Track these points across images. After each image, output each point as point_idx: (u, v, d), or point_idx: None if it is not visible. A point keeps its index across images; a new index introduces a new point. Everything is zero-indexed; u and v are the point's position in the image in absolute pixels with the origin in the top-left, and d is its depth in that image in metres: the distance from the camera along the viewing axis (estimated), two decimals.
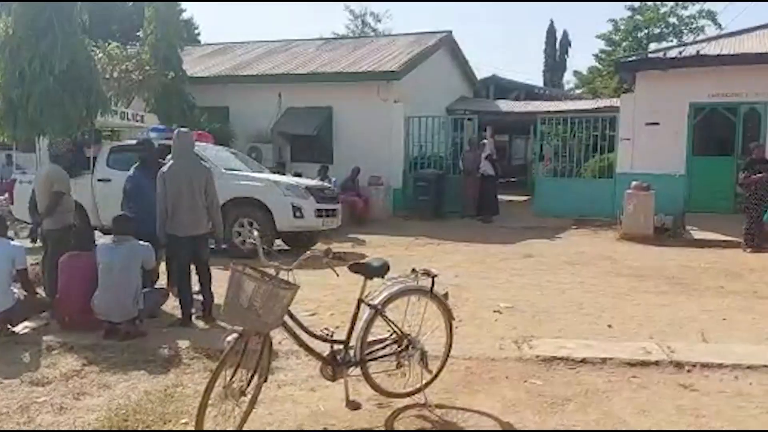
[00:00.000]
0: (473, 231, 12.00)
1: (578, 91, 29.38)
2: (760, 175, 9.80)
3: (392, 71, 14.21)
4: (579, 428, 3.50)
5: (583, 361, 4.52)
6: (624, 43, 28.71)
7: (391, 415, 3.63)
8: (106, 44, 14.03)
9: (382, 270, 3.64)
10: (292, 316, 3.35)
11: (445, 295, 3.92)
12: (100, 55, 13.49)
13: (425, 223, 12.86)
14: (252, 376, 3.24)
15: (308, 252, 3.39)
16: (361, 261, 3.65)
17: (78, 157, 9.25)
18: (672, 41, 25.68)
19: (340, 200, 10.53)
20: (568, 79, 36.32)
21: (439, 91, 16.99)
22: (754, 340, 5.10)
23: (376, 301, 3.60)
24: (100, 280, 5.05)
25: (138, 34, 15.34)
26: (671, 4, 28.26)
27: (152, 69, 13.87)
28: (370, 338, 3.65)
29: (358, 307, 3.57)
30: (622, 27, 29.26)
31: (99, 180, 9.70)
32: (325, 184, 10.65)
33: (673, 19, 28.58)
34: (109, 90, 13.45)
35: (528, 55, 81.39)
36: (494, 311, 6.00)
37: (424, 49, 15.99)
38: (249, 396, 3.24)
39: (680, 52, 12.79)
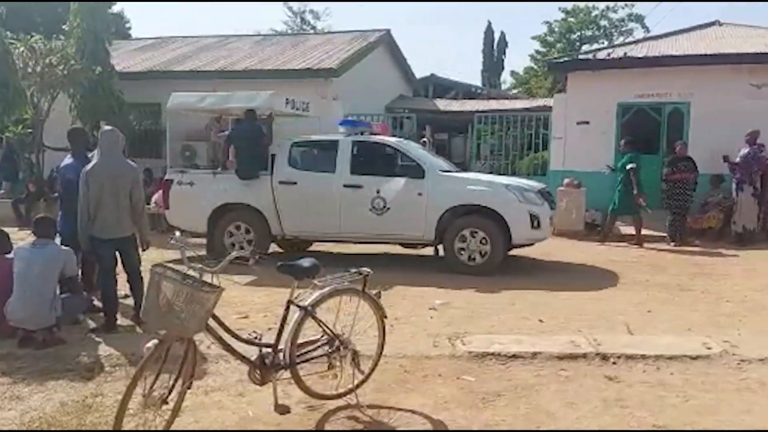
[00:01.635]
0: None
1: (515, 91, 30.01)
2: (683, 172, 10.27)
3: (331, 68, 14.11)
4: (508, 422, 3.54)
5: (514, 356, 4.59)
6: (558, 45, 29.60)
7: (321, 418, 3.58)
8: (28, 37, 13.35)
9: (312, 270, 3.57)
10: (217, 320, 3.24)
11: (378, 294, 3.89)
12: (21, 48, 12.85)
13: None
14: (174, 383, 3.12)
15: (233, 253, 3.28)
16: (290, 262, 3.57)
17: (255, 156, 8.50)
18: (603, 43, 26.60)
19: None
20: (505, 79, 37.06)
21: (378, 89, 16.98)
22: (675, 331, 5.30)
23: (306, 302, 3.53)
24: (15, 285, 4.77)
25: (63, 27, 14.66)
26: (602, 6, 29.30)
27: (78, 63, 13.28)
28: (301, 340, 3.58)
29: (287, 309, 3.49)
30: (556, 29, 30.14)
31: (281, 182, 8.40)
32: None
33: (604, 22, 29.67)
34: (30, 85, 12.88)
35: (467, 56, 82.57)
36: (430, 309, 6.03)
37: (363, 47, 15.97)
38: (172, 404, 3.12)
39: (608, 54, 13.21)
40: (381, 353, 3.95)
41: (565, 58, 14.36)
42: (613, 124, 12.62)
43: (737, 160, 10.36)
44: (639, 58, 12.53)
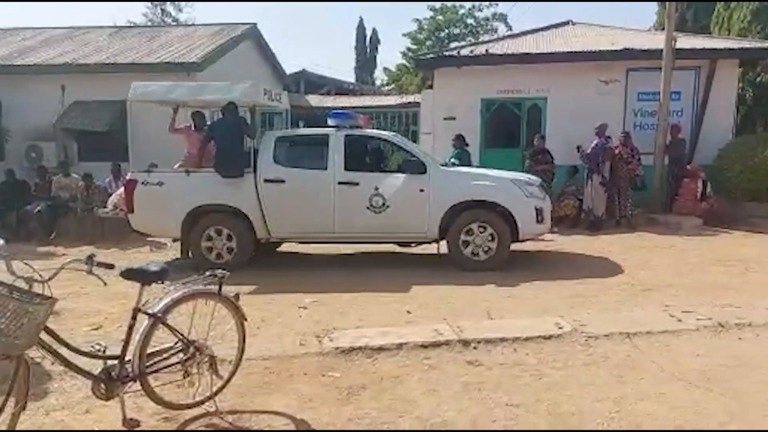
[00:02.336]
0: None
1: (388, 88, 30.53)
2: (541, 165, 10.92)
3: (194, 62, 13.54)
4: (372, 415, 3.55)
5: (381, 348, 4.62)
6: (428, 42, 30.43)
7: (177, 429, 3.40)
8: None
9: (161, 274, 3.37)
10: (51, 333, 2.97)
11: (236, 296, 3.76)
12: None
13: None
14: (4, 405, 2.83)
15: (69, 259, 3.02)
16: (136, 266, 3.35)
17: (238, 152, 7.83)
18: (470, 41, 27.69)
19: None
20: (379, 76, 37.61)
21: None
22: (532, 313, 5.59)
23: (155, 309, 3.33)
24: None
25: None
26: (468, 6, 30.52)
27: None
28: (151, 349, 3.38)
29: (134, 318, 3.28)
30: (426, 27, 30.99)
31: (267, 181, 7.76)
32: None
33: (470, 21, 30.89)
34: None
35: (343, 54, 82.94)
36: (300, 307, 5.95)
37: (228, 40, 15.45)
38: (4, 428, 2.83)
39: (471, 51, 13.75)
40: (242, 357, 3.82)
41: (432, 55, 14.75)
42: (478, 120, 13.15)
43: (588, 151, 11.16)
44: (499, 55, 13.15)
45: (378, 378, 4.10)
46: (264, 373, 4.20)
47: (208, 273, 3.60)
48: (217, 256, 7.78)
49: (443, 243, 7.82)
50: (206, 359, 3.53)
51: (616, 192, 11.20)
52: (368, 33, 39.90)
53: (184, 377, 3.50)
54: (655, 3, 21.28)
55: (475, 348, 4.61)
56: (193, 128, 8.89)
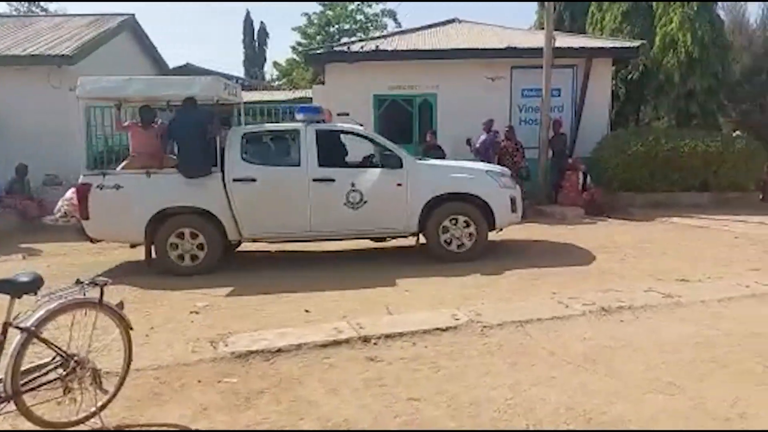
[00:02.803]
0: None
1: (279, 83, 30.06)
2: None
3: (65, 55, 12.59)
4: (271, 419, 3.45)
5: (279, 350, 4.51)
6: (318, 37, 30.24)
7: None
8: None
9: (33, 285, 3.08)
10: None
11: (120, 304, 3.51)
12: None
13: None
14: None
15: None
16: (3, 277, 3.05)
17: (203, 150, 7.34)
18: (360, 36, 27.80)
19: (5, 205, 8.85)
20: (268, 71, 36.94)
21: None
22: (429, 306, 5.67)
23: (28, 323, 3.05)
24: None
25: None
26: (357, 2, 30.63)
27: None
28: (26, 366, 3.09)
29: (4, 333, 2.98)
30: (316, 21, 30.79)
31: (236, 180, 7.36)
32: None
33: (360, 16, 31.01)
34: None
35: (228, 48, 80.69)
36: (191, 312, 5.69)
37: (103, 31, 14.48)
38: None
39: (362, 47, 13.79)
40: (128, 368, 3.58)
41: (322, 51, 14.64)
42: (371, 116, 13.21)
43: (477, 145, 11.51)
44: (390, 51, 13.27)
45: (277, 381, 3.99)
46: (153, 383, 3.97)
47: (87, 281, 3.34)
48: (184, 259, 7.45)
49: (421, 235, 7.87)
50: (89, 373, 3.28)
51: None
52: (256, 27, 39.09)
53: (65, 393, 3.22)
54: (535, 3, 22.30)
55: (375, 344, 4.60)
56: (139, 124, 8.22)
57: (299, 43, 30.85)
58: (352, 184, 7.56)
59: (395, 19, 30.94)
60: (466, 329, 4.86)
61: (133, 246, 7.97)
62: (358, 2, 30.30)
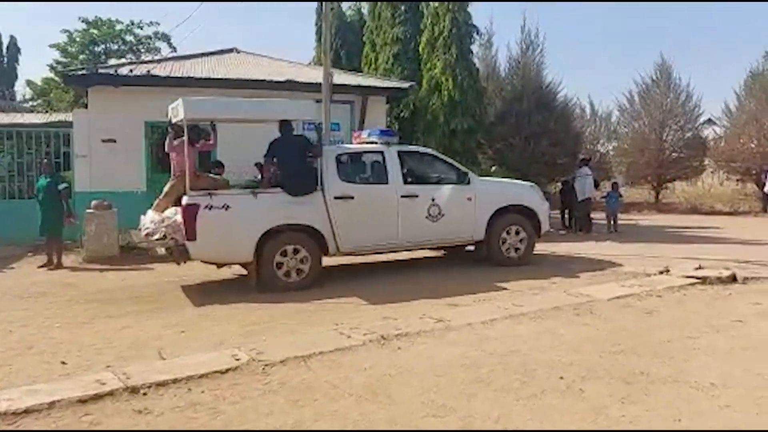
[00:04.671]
0: None
1: (33, 104, 26.89)
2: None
3: None
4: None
5: (27, 411, 3.86)
6: (81, 56, 27.77)
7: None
8: None
9: None
10: None
11: None
12: None
13: None
14: None
15: None
16: None
17: (306, 170, 7.88)
18: (131, 58, 26.11)
19: None
20: (20, 90, 32.93)
21: None
22: (209, 347, 5.33)
23: None
24: None
25: None
26: (127, 21, 28.79)
27: None
28: None
29: None
30: (78, 39, 28.26)
31: (336, 198, 7.95)
32: None
33: (130, 38, 29.14)
34: None
35: None
36: None
37: None
38: None
39: (131, 71, 12.91)
40: None
41: (83, 72, 13.40)
42: (142, 143, 12.35)
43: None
44: (163, 77, 12.59)
45: None
46: None
47: None
48: (290, 275, 7.74)
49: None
50: None
51: None
52: (5, 41, 34.78)
53: None
54: (313, 39, 22.97)
55: (144, 394, 4.16)
56: (191, 143, 8.12)
57: (58, 62, 27.98)
58: (432, 199, 8.56)
59: (170, 44, 29.60)
60: (248, 369, 4.63)
61: (220, 266, 8.14)
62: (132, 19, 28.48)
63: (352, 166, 8.67)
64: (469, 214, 8.80)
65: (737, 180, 22.30)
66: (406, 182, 8.51)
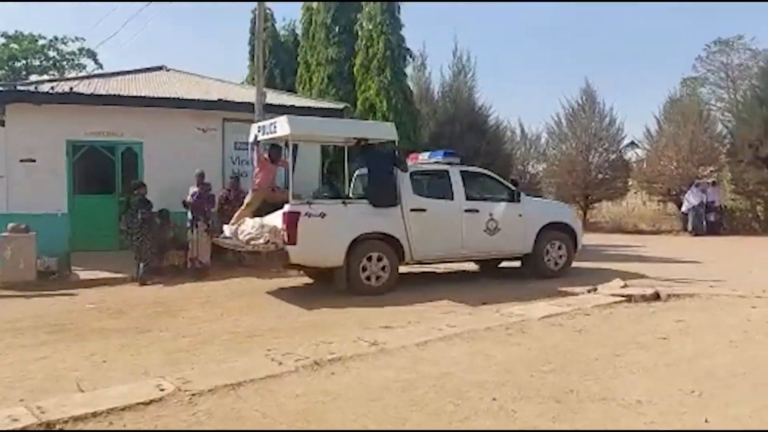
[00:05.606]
0: None
1: None
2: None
3: None
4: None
5: None
6: (0, 72, 26.54)
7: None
8: None
9: None
10: None
11: None
12: None
13: None
14: None
15: None
16: None
17: (391, 184, 8.76)
18: (54, 75, 25.14)
19: None
20: None
21: None
22: (132, 377, 5.09)
23: None
24: None
25: None
26: (50, 36, 27.75)
27: None
28: None
29: None
30: None
31: (412, 210, 8.83)
32: None
33: (53, 53, 28.08)
34: None
35: None
36: None
37: None
38: None
39: (53, 88, 12.38)
40: None
41: (2, 87, 12.76)
42: (64, 163, 11.84)
43: (189, 199, 10.99)
44: (87, 95, 12.14)
45: None
46: None
47: None
48: (368, 279, 8.52)
49: None
50: None
51: None
52: None
53: None
54: (246, 59, 22.71)
55: (61, 430, 3.91)
56: (269, 161, 9.45)
57: None
58: (490, 214, 9.46)
59: (96, 60, 28.66)
60: (173, 399, 4.41)
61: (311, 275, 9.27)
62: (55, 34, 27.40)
63: (423, 183, 9.57)
64: (521, 229, 9.72)
65: (659, 200, 23.29)
66: (467, 198, 9.44)
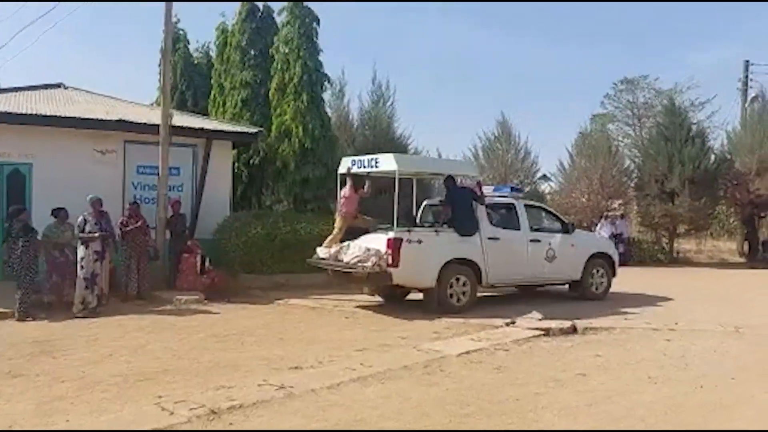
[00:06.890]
0: None
1: None
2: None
3: None
4: None
5: None
6: None
7: None
8: None
9: None
10: None
11: None
12: None
13: None
14: None
15: None
16: None
17: (473, 215, 9.79)
18: None
19: None
20: None
21: None
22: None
23: None
24: None
25: None
26: None
27: None
28: None
29: None
30: None
31: (489, 238, 9.79)
32: None
33: None
34: None
35: None
36: None
37: None
38: None
39: None
40: None
41: None
42: None
43: (94, 231, 9.98)
44: None
45: None
46: None
47: None
48: (451, 297, 9.39)
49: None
50: None
51: (136, 266, 10.66)
52: None
53: None
54: (156, 79, 21.69)
55: None
56: (353, 190, 10.22)
57: None
58: (549, 244, 10.45)
59: None
60: None
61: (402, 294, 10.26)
62: None
63: (496, 214, 10.38)
64: (573, 258, 10.76)
65: None
66: (531, 229, 10.42)
